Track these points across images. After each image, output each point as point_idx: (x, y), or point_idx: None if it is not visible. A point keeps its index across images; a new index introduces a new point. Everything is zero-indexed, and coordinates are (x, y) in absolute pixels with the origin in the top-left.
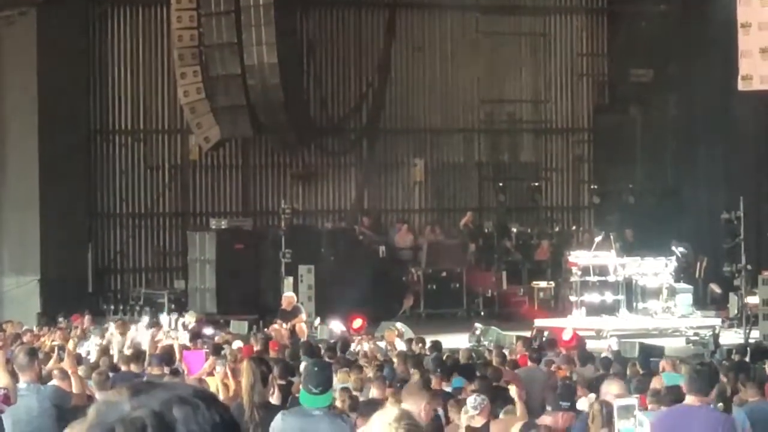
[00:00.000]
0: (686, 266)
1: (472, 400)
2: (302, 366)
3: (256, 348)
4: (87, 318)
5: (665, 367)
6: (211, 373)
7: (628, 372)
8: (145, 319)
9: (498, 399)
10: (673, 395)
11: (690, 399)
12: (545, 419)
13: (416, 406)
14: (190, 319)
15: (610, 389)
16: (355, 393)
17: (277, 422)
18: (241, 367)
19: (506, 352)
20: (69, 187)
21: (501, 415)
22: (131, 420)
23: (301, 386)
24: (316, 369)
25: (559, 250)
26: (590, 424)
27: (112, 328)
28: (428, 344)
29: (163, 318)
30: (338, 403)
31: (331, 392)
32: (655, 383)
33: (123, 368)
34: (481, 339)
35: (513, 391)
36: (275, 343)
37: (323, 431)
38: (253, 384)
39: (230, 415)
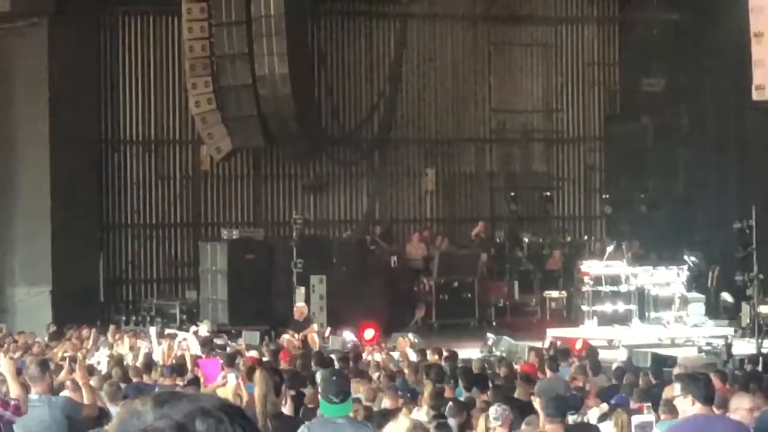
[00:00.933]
0: (698, 275)
1: (494, 410)
2: (317, 376)
3: (265, 358)
4: (93, 330)
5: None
6: (223, 384)
7: (640, 382)
8: (153, 331)
9: (515, 410)
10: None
11: (702, 409)
12: (552, 428)
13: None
14: (203, 328)
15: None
16: (367, 404)
17: None
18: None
19: (517, 362)
20: (80, 197)
21: (523, 426)
22: (153, 431)
23: (320, 396)
24: (334, 378)
25: (571, 260)
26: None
27: (124, 340)
28: (444, 354)
29: (151, 330)
30: (350, 414)
31: (351, 401)
32: (668, 393)
33: (135, 379)
34: (493, 349)
35: (537, 402)
36: (286, 353)
37: None
38: (266, 394)
39: (254, 429)
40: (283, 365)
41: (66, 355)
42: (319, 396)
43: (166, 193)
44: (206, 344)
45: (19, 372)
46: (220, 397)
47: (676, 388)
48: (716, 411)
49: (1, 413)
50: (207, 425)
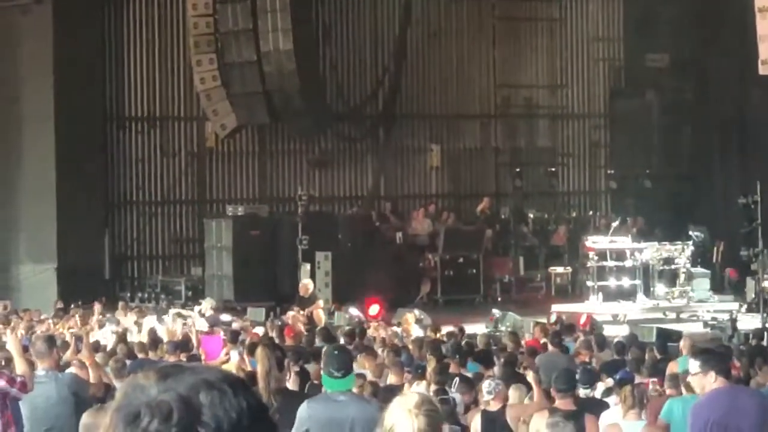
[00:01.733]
0: (703, 251)
1: (486, 384)
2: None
3: (270, 334)
4: (97, 306)
5: (683, 351)
6: (226, 361)
7: (646, 357)
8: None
9: (520, 385)
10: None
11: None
12: (563, 403)
13: None
14: (206, 306)
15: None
16: (374, 379)
17: (303, 410)
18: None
19: (522, 337)
20: (85, 174)
21: (510, 391)
22: (157, 404)
23: (322, 371)
24: (336, 352)
25: (576, 236)
26: (622, 404)
27: (129, 317)
28: (450, 329)
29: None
30: (355, 390)
31: (353, 375)
32: (672, 368)
33: (140, 356)
34: (499, 324)
35: (530, 376)
36: (290, 329)
37: (351, 415)
38: (269, 370)
39: (258, 401)
40: (289, 341)
41: (71, 332)
42: (321, 371)
43: (171, 169)
44: (210, 322)
45: (25, 349)
46: (224, 370)
47: (693, 365)
48: None
49: (7, 389)
50: (211, 397)
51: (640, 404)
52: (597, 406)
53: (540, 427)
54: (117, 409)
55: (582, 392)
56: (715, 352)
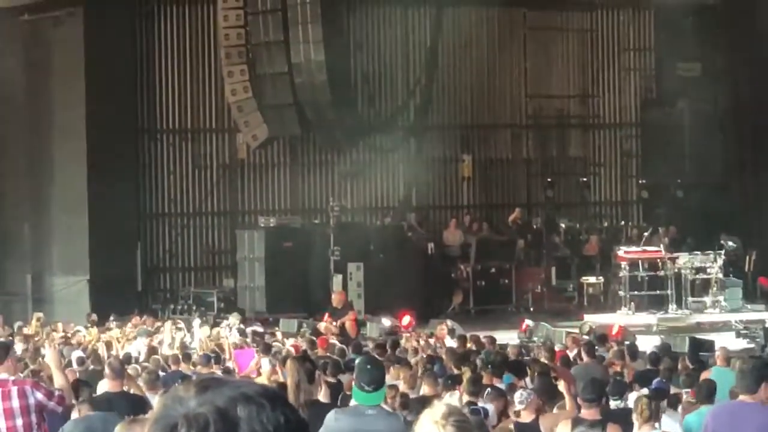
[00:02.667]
0: (735, 260)
1: (518, 395)
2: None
3: (303, 347)
4: (135, 318)
5: (717, 362)
6: (258, 372)
7: (678, 367)
8: (198, 321)
9: (556, 396)
10: (707, 391)
11: (741, 397)
12: (588, 412)
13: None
14: (233, 321)
15: None
16: (406, 391)
17: (330, 421)
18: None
19: (556, 347)
20: (117, 187)
21: (555, 410)
22: (195, 416)
23: (353, 383)
24: (368, 366)
25: (608, 245)
26: (637, 416)
27: (167, 327)
28: (482, 340)
29: (196, 322)
30: (388, 401)
31: (384, 390)
32: (704, 377)
33: (173, 367)
34: (531, 335)
35: (562, 386)
36: (323, 340)
37: (378, 428)
38: (298, 382)
39: (297, 416)
40: (321, 352)
41: (100, 343)
42: (353, 383)
43: (202, 181)
44: (240, 334)
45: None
46: (264, 384)
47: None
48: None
49: (45, 403)
50: (248, 411)
51: (656, 417)
52: (627, 417)
53: None
54: (155, 420)
55: (613, 403)
56: (745, 369)
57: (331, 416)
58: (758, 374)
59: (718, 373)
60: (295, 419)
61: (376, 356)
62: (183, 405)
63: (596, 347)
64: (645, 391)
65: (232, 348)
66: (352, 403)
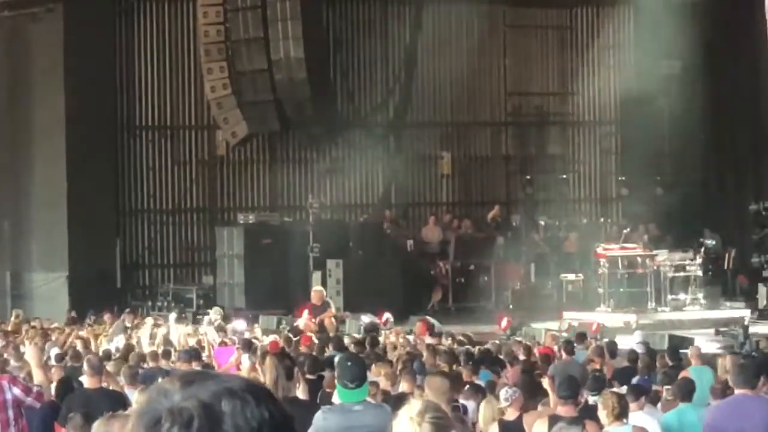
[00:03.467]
0: (715, 257)
1: (504, 392)
2: (335, 360)
3: (281, 344)
4: (109, 316)
5: (691, 361)
6: (238, 368)
7: (657, 364)
8: (174, 316)
9: (539, 393)
10: (686, 389)
11: (739, 391)
12: (565, 408)
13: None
14: (215, 315)
15: None
16: (387, 388)
17: (319, 420)
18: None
19: (534, 345)
20: (96, 183)
21: (539, 407)
22: (179, 410)
23: (336, 381)
24: (349, 364)
25: (587, 243)
26: (608, 413)
27: (149, 323)
28: (459, 338)
29: (171, 316)
30: (368, 398)
31: (367, 385)
32: (683, 376)
33: (151, 364)
34: (512, 332)
35: (545, 383)
36: (307, 338)
37: (367, 424)
38: (277, 379)
39: (282, 411)
40: (303, 349)
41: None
42: (336, 381)
43: (182, 178)
44: (219, 330)
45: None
46: (249, 379)
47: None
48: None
49: (23, 398)
50: (233, 406)
51: (625, 413)
52: None
53: None
54: (140, 414)
55: (591, 399)
56: (744, 365)
57: (319, 416)
58: (757, 369)
59: (696, 372)
60: (279, 414)
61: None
62: (168, 399)
63: (575, 345)
64: (624, 388)
65: (211, 345)
66: (336, 400)
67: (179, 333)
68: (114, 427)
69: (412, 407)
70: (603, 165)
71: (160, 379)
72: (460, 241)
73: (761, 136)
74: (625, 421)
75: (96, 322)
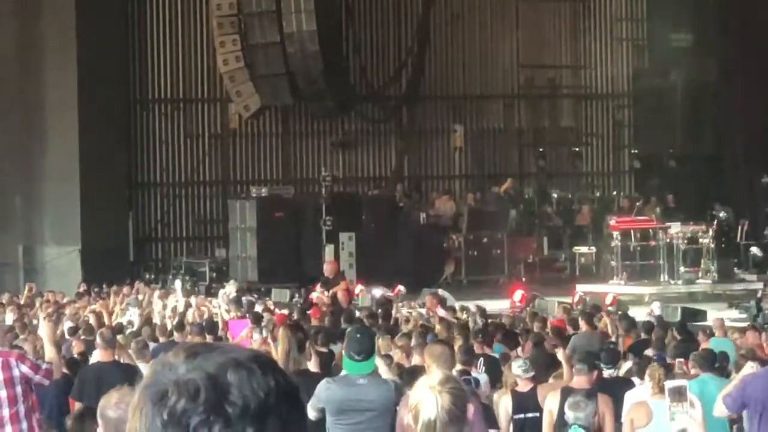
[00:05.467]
0: (727, 230)
1: (521, 363)
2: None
3: (294, 316)
4: (126, 288)
5: (715, 332)
6: (250, 341)
7: (667, 337)
8: (178, 285)
9: (552, 366)
10: (709, 359)
11: None
12: (578, 381)
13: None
14: (230, 288)
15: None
16: (401, 361)
17: (321, 390)
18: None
19: (547, 317)
20: (109, 156)
21: (550, 380)
22: (185, 382)
23: (343, 353)
24: (358, 335)
25: (600, 215)
26: (654, 384)
27: (154, 297)
28: (472, 309)
29: (177, 284)
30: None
31: (374, 358)
32: (703, 348)
33: (161, 339)
34: (526, 305)
35: (560, 354)
36: (316, 310)
37: (369, 397)
38: (288, 351)
39: (288, 381)
40: (314, 322)
41: (90, 312)
42: (343, 352)
43: (194, 151)
44: (235, 303)
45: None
46: (254, 350)
47: None
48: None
49: (31, 375)
50: (239, 376)
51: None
52: (620, 385)
53: (552, 405)
54: (145, 387)
55: (606, 372)
56: None
57: (322, 385)
58: None
59: (715, 343)
60: (285, 384)
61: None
62: (173, 371)
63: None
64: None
65: (224, 317)
66: (343, 372)
67: (194, 305)
68: (112, 399)
69: (432, 377)
70: (615, 138)
71: (164, 352)
72: (473, 214)
73: None
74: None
75: (106, 295)
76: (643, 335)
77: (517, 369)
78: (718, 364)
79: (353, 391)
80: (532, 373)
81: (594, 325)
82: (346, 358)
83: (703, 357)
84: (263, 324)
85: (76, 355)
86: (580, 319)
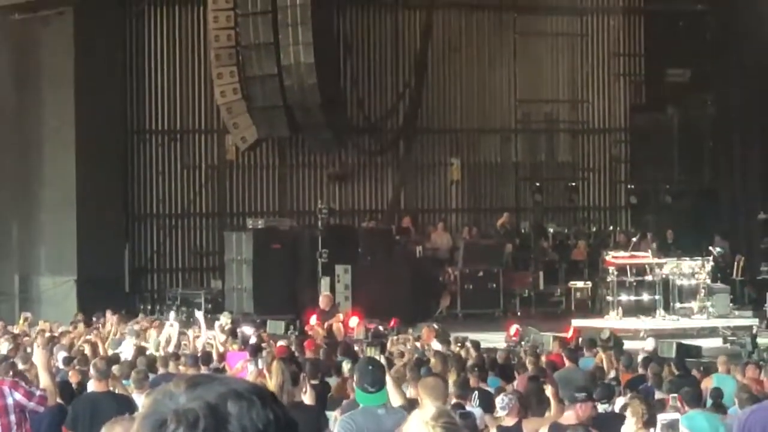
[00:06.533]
0: (723, 266)
1: (500, 399)
2: (343, 366)
3: (292, 348)
4: (115, 317)
5: (719, 368)
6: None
7: (664, 372)
8: (173, 316)
9: (544, 400)
10: (692, 395)
11: None
12: (567, 417)
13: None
14: (225, 320)
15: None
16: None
17: (346, 424)
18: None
19: (542, 352)
20: (106, 187)
21: (547, 414)
22: (184, 411)
23: (355, 385)
24: (370, 368)
25: (596, 250)
26: (637, 419)
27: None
28: (467, 344)
29: (199, 314)
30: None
31: (386, 389)
32: (706, 384)
33: (161, 370)
34: (520, 340)
35: (548, 390)
36: (311, 342)
37: (387, 427)
38: (282, 384)
39: (286, 414)
40: (308, 354)
41: (85, 342)
42: (355, 385)
43: (191, 182)
44: (230, 335)
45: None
46: (255, 383)
47: None
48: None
49: (25, 403)
50: (239, 407)
51: (653, 421)
52: (614, 421)
53: None
54: (144, 416)
55: (600, 407)
56: None
57: (346, 420)
58: None
59: (718, 380)
60: (284, 417)
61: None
62: (173, 400)
63: (584, 352)
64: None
65: (219, 348)
66: (355, 404)
67: (190, 337)
68: (115, 429)
69: (426, 411)
70: (612, 173)
71: (165, 382)
72: (469, 248)
73: None
74: (652, 430)
75: (101, 325)
76: (640, 371)
77: (498, 403)
78: (712, 401)
79: (377, 421)
80: (511, 408)
81: (575, 360)
82: (360, 391)
83: (689, 393)
84: (262, 356)
85: (74, 385)
86: (564, 354)
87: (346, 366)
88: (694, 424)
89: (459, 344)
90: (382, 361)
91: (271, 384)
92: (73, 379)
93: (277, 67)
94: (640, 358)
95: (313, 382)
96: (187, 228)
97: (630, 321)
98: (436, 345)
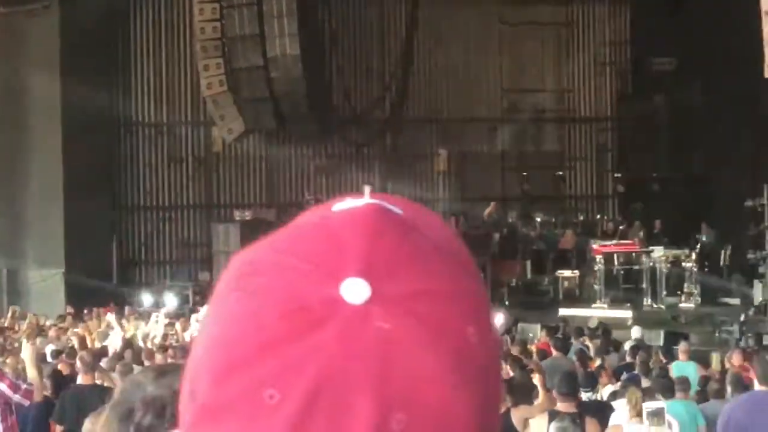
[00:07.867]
0: (711, 254)
1: None
2: None
3: None
4: (108, 313)
5: (680, 356)
6: None
7: (651, 360)
8: (162, 312)
9: (533, 390)
10: (681, 385)
11: (763, 387)
12: (564, 405)
13: None
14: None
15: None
16: None
17: None
18: None
19: (530, 342)
20: (93, 179)
21: (535, 402)
22: (152, 399)
23: None
24: None
25: (583, 239)
26: (631, 408)
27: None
28: None
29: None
30: None
31: None
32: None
33: (146, 362)
34: (507, 329)
35: (536, 379)
36: None
37: None
38: None
39: None
40: None
41: (73, 335)
42: None
43: (178, 174)
44: None
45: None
46: None
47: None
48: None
49: (10, 395)
50: None
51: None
52: (600, 409)
53: (541, 429)
54: (113, 405)
55: (584, 395)
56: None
57: None
58: None
59: (677, 368)
60: None
61: None
62: (141, 389)
63: (572, 341)
64: (619, 384)
65: None
66: None
67: (178, 329)
68: (97, 426)
69: None
70: (599, 162)
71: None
72: None
73: (757, 132)
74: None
75: (88, 317)
76: (627, 359)
77: None
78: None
79: None
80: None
81: (565, 349)
82: None
83: (663, 385)
84: None
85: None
86: (551, 343)
87: None
88: (673, 411)
89: None
90: None
91: None
92: (64, 372)
93: (263, 58)
94: (627, 346)
95: None
96: (174, 220)
97: (617, 310)
98: None
